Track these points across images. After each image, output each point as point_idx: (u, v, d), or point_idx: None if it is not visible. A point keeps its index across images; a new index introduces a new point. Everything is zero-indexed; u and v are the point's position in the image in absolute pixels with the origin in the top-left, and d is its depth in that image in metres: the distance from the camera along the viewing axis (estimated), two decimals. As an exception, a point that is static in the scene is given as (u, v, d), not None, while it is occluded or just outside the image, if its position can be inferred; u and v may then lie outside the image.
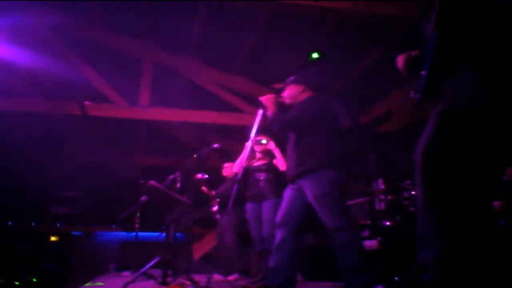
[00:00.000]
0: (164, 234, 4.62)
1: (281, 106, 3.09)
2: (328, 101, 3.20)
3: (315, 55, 5.46)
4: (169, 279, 3.65)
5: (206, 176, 5.07)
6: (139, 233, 5.84)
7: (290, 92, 3.14)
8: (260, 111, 3.15)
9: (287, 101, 3.15)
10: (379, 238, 3.79)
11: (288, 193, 3.01)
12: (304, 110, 2.97)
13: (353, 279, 2.66)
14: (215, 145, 4.63)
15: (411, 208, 3.68)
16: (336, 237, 2.74)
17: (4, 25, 4.89)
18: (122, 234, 7.57)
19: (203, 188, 5.17)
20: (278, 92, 3.21)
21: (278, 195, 4.13)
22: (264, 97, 3.12)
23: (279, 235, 2.90)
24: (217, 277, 4.63)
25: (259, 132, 3.29)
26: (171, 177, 4.56)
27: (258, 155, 4.49)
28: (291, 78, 3.22)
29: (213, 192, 5.14)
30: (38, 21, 5.15)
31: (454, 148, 1.49)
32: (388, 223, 3.83)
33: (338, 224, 2.74)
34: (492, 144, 1.50)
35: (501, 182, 2.92)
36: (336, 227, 2.74)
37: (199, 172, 5.08)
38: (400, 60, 1.82)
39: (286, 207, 2.97)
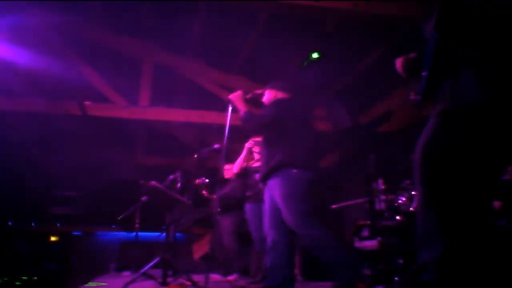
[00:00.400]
0: (164, 234, 4.62)
1: (254, 103, 3.14)
2: (302, 102, 3.23)
3: (315, 55, 5.46)
4: (169, 280, 3.65)
5: (207, 180, 5.07)
6: (139, 233, 5.84)
7: (267, 97, 3.20)
8: (230, 109, 3.17)
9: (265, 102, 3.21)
10: (379, 238, 3.79)
11: (266, 195, 3.03)
12: (273, 110, 2.97)
13: (338, 274, 2.65)
14: (216, 146, 4.63)
15: (411, 208, 3.68)
16: (304, 238, 2.72)
17: (4, 25, 4.89)
18: (122, 234, 7.58)
19: (204, 192, 5.16)
20: (259, 96, 3.25)
21: None
22: (232, 94, 3.14)
23: (270, 236, 2.91)
24: (216, 277, 4.63)
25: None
26: (171, 177, 4.56)
27: (256, 156, 4.48)
28: (269, 84, 3.27)
29: (215, 196, 5.11)
30: (38, 21, 5.15)
31: (454, 148, 1.49)
32: (388, 223, 3.83)
33: (301, 225, 2.71)
34: (492, 144, 1.50)
35: (501, 182, 2.92)
36: (300, 228, 2.71)
37: (199, 173, 5.07)
38: (398, 63, 1.82)
39: (267, 209, 2.98)
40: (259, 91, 3.28)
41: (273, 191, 2.87)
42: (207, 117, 6.47)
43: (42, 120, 6.57)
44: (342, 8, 4.50)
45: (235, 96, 3.10)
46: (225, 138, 3.18)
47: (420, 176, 1.55)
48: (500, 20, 1.51)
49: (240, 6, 4.72)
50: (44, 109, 6.03)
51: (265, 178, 2.94)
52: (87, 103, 6.05)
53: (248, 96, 3.17)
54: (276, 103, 3.06)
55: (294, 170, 2.79)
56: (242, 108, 3.05)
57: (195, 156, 4.76)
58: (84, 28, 5.76)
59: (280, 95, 3.16)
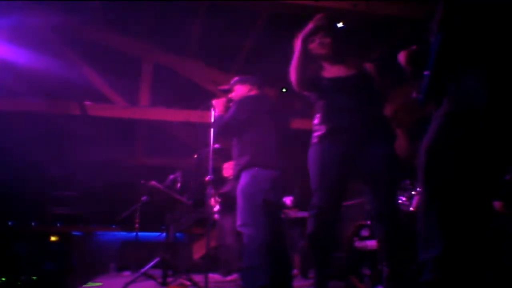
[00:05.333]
0: (164, 234, 4.62)
1: (228, 110, 3.09)
2: (270, 100, 3.19)
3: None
4: (169, 279, 3.65)
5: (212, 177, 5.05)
6: (139, 233, 5.84)
7: (238, 93, 3.15)
8: (212, 112, 3.21)
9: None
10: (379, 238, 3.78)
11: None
12: (238, 109, 2.93)
13: (247, 277, 2.62)
14: (216, 145, 4.62)
15: (411, 208, 3.68)
16: (242, 233, 2.70)
17: (4, 25, 4.89)
18: (122, 234, 7.57)
19: (209, 190, 5.14)
20: (227, 92, 3.21)
21: None
22: (217, 100, 3.16)
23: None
24: (217, 277, 4.63)
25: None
26: (171, 177, 4.56)
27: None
28: (236, 79, 3.22)
29: (218, 194, 5.11)
30: (38, 21, 5.15)
31: (457, 148, 1.49)
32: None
33: (243, 221, 2.71)
34: (495, 145, 1.50)
35: (503, 182, 2.92)
36: (242, 223, 2.72)
37: (200, 173, 5.06)
38: (402, 56, 1.82)
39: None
40: (225, 87, 3.24)
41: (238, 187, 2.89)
42: (207, 117, 6.46)
43: (42, 120, 6.57)
44: (341, 8, 4.50)
45: (218, 102, 3.14)
46: (211, 139, 3.25)
47: (422, 176, 1.55)
48: (502, 20, 1.51)
49: (240, 6, 4.73)
50: (44, 109, 6.03)
51: (237, 178, 2.93)
52: (87, 103, 6.05)
53: (232, 103, 3.14)
54: (240, 103, 3.00)
55: (257, 168, 2.79)
56: (218, 112, 3.09)
57: (195, 156, 4.76)
58: (84, 28, 5.76)
59: (253, 91, 3.12)
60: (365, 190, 2.43)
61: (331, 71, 2.58)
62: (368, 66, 2.68)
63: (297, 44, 2.53)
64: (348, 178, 2.44)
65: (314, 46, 2.61)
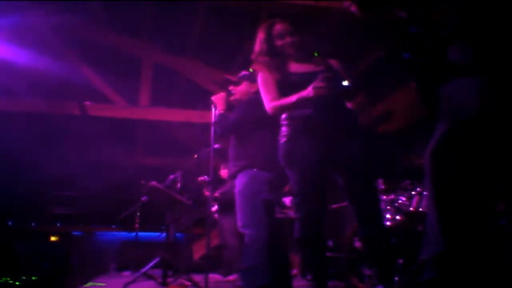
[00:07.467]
0: (164, 234, 4.62)
1: (231, 106, 3.05)
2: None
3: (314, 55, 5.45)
4: (169, 280, 3.66)
5: (207, 178, 5.06)
6: (139, 233, 5.84)
7: (244, 88, 3.08)
8: (213, 111, 3.17)
9: (237, 96, 3.07)
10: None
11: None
12: (245, 111, 2.90)
13: (247, 277, 2.63)
14: (216, 146, 4.61)
15: (411, 208, 3.68)
16: (244, 234, 2.71)
17: (4, 25, 4.89)
18: (122, 234, 7.57)
19: (205, 191, 5.14)
20: (231, 83, 3.13)
21: None
22: (216, 96, 3.11)
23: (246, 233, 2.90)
24: (217, 277, 4.63)
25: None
26: (171, 177, 4.56)
27: None
28: (246, 73, 3.11)
29: (217, 194, 5.10)
30: (39, 21, 5.15)
31: (458, 152, 1.51)
32: (388, 223, 3.83)
33: (244, 222, 2.72)
34: (495, 149, 1.51)
35: (503, 182, 2.92)
36: (243, 224, 2.72)
37: (199, 173, 5.07)
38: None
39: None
40: (232, 78, 3.17)
41: (235, 188, 2.88)
42: (207, 117, 6.46)
43: (42, 120, 6.57)
44: (341, 8, 4.50)
45: (218, 98, 3.09)
46: (212, 138, 3.22)
47: (427, 179, 1.57)
48: (498, 31, 1.52)
49: (240, 6, 4.73)
50: (44, 109, 6.04)
51: (233, 178, 2.92)
52: (87, 103, 6.05)
53: (232, 98, 3.10)
54: (247, 103, 2.96)
55: (255, 170, 2.78)
56: (219, 109, 3.04)
57: (195, 156, 4.76)
58: (84, 28, 5.76)
59: (254, 88, 3.00)
60: (343, 191, 2.34)
61: (299, 67, 2.52)
62: (334, 63, 2.61)
63: (292, 99, 2.33)
64: (329, 175, 2.35)
65: (283, 44, 2.52)
